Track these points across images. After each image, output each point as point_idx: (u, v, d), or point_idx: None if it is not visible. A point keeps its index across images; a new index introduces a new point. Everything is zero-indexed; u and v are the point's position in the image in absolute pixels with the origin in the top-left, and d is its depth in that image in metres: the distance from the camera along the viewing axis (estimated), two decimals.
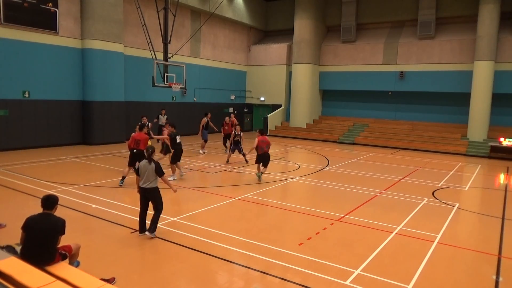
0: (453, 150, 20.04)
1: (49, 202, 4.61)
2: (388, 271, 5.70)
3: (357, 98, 26.08)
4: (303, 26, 25.01)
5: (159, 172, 6.66)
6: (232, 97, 27.58)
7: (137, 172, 6.82)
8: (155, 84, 16.47)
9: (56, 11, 16.30)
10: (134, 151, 10.58)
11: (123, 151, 15.75)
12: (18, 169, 12.10)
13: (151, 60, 17.00)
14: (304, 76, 25.34)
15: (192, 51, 23.66)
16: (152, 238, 6.66)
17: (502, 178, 14.46)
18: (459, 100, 22.36)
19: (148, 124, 14.36)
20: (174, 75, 17.25)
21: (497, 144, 18.63)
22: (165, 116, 18.66)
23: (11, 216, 7.40)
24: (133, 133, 11.03)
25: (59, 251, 4.61)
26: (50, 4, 16.07)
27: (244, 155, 14.74)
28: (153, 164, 6.67)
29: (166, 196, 7.05)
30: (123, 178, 10.47)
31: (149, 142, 11.60)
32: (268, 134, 23.44)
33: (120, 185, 10.36)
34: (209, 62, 25.17)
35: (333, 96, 27.23)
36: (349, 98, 26.44)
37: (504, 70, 20.32)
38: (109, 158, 14.78)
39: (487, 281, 5.59)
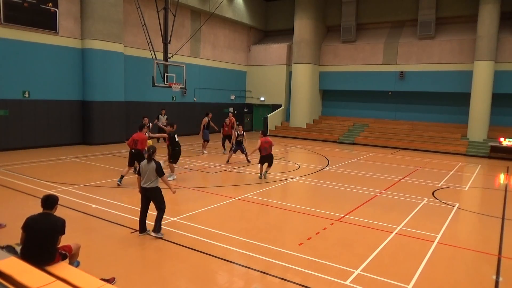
0: (453, 150, 20.04)
1: (49, 202, 4.62)
2: (388, 271, 5.70)
3: (357, 98, 26.08)
4: (303, 26, 25.01)
5: (159, 172, 6.67)
6: (232, 97, 27.58)
7: (138, 172, 6.83)
8: (155, 84, 16.47)
9: (56, 11, 16.31)
10: (133, 150, 10.69)
11: (123, 151, 15.75)
12: (18, 169, 12.10)
13: (151, 60, 17.00)
14: (304, 76, 25.34)
15: (192, 51, 23.66)
16: (159, 238, 6.66)
17: (502, 178, 14.46)
18: (459, 100, 22.36)
19: (149, 124, 14.31)
20: (174, 75, 17.25)
21: (497, 144, 18.63)
22: (165, 116, 18.66)
23: (11, 216, 7.40)
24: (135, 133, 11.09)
25: (59, 251, 4.61)
26: (50, 4, 16.07)
27: (246, 155, 14.77)
28: (153, 164, 6.67)
29: (166, 196, 7.04)
30: (122, 177, 10.49)
31: (150, 142, 11.61)
32: (268, 134, 23.42)
33: (118, 184, 10.37)
34: (209, 62, 25.17)
35: (333, 96, 27.23)
36: (349, 98, 26.44)
37: (504, 70, 20.32)
38: (109, 158, 14.78)
39: (487, 281, 5.59)
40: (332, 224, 7.89)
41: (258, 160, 12.24)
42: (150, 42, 16.79)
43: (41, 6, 15.73)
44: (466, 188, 12.08)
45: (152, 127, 15.88)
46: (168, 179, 9.01)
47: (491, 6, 19.71)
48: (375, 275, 5.55)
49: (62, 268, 4.41)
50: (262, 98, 28.33)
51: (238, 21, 26.51)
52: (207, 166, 13.94)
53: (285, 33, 27.94)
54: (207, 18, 22.37)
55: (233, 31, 27.02)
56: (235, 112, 27.27)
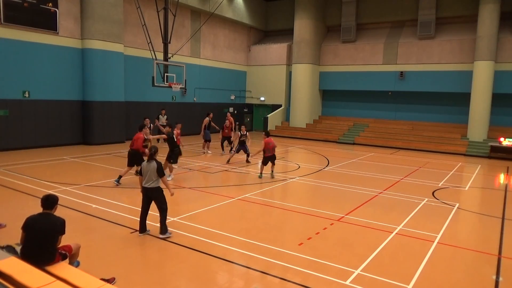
0: (453, 150, 20.04)
1: (49, 202, 4.62)
2: (388, 271, 5.70)
3: (357, 98, 26.08)
4: (303, 26, 25.01)
5: (160, 172, 6.67)
6: (232, 97, 27.58)
7: (140, 172, 6.84)
8: (155, 84, 16.47)
9: (56, 11, 16.30)
10: (130, 150, 10.76)
11: (123, 151, 15.74)
12: (18, 169, 12.09)
13: (151, 60, 17.00)
14: (304, 76, 25.34)
15: (192, 51, 23.66)
16: (168, 237, 6.67)
17: (502, 178, 14.46)
18: (459, 100, 22.36)
19: (150, 125, 14.27)
20: (174, 75, 17.24)
21: (497, 144, 18.63)
22: (165, 116, 18.65)
23: (11, 216, 7.40)
24: None
25: (59, 251, 4.62)
26: (50, 4, 16.07)
27: (248, 155, 14.78)
28: (154, 164, 6.68)
29: (166, 196, 7.03)
30: (119, 177, 10.49)
31: (152, 143, 11.58)
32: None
33: (116, 184, 10.37)
34: (209, 62, 25.17)
35: (333, 96, 27.23)
36: (349, 98, 26.44)
37: (504, 70, 20.32)
38: (109, 158, 14.78)
39: (487, 281, 5.59)
40: (332, 224, 7.89)
41: (262, 160, 12.36)
42: (150, 42, 16.79)
43: (41, 6, 15.73)
44: (466, 188, 12.08)
45: (153, 128, 15.88)
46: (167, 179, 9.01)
47: (491, 6, 19.71)
48: (375, 275, 5.55)
49: (62, 268, 4.41)
50: (262, 98, 28.33)
51: (238, 21, 26.51)
52: (207, 166, 13.94)
53: (285, 33, 27.94)
54: (207, 18, 22.37)
55: (233, 31, 27.02)
56: (235, 112, 27.33)
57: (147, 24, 17.69)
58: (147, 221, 6.87)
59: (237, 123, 27.40)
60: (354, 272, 5.62)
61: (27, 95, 15.81)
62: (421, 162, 16.92)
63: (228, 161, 14.56)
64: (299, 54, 25.24)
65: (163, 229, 6.72)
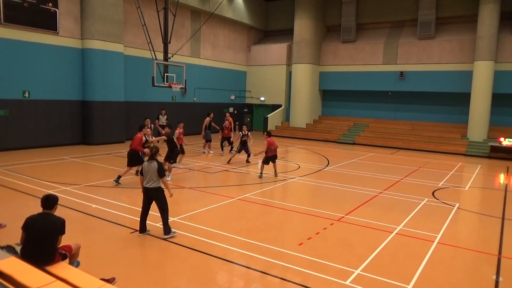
0: (453, 150, 20.04)
1: (49, 201, 4.62)
2: (388, 271, 5.70)
3: (357, 98, 26.08)
4: (303, 26, 25.01)
5: (160, 172, 6.66)
6: (232, 97, 27.58)
7: (141, 172, 6.85)
8: (155, 84, 16.47)
9: (56, 11, 16.30)
10: (129, 150, 10.76)
11: (123, 151, 15.72)
12: (18, 169, 12.09)
13: (151, 60, 17.00)
14: (304, 76, 25.34)
15: (192, 51, 23.66)
16: (173, 237, 6.68)
17: (502, 178, 14.46)
18: (459, 100, 22.36)
19: (151, 126, 14.23)
20: (174, 75, 17.24)
21: (497, 144, 18.63)
22: (165, 116, 18.64)
23: (11, 216, 7.40)
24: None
25: (59, 251, 4.62)
26: (50, 4, 16.07)
27: (249, 155, 14.78)
28: (155, 164, 6.68)
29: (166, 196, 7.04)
30: (119, 177, 10.50)
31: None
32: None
33: (115, 184, 10.37)
34: (209, 62, 25.17)
35: (333, 96, 27.23)
36: (349, 98, 26.44)
37: (504, 70, 20.32)
38: (109, 158, 14.78)
39: (487, 281, 5.59)
40: (332, 224, 7.89)
41: (262, 160, 12.40)
42: (150, 42, 16.79)
43: (41, 6, 15.73)
44: (466, 188, 12.08)
45: (153, 128, 15.85)
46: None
47: (491, 6, 19.71)
48: (375, 275, 5.55)
49: (62, 268, 4.41)
50: (262, 98, 28.33)
51: (238, 21, 26.51)
52: (207, 166, 13.94)
53: (285, 33, 27.94)
54: (207, 18, 22.37)
55: (233, 31, 27.02)
56: (235, 112, 27.33)
57: (147, 24, 17.69)
58: (147, 222, 6.86)
59: (237, 123, 27.51)
60: (354, 272, 5.62)
61: (27, 95, 15.81)
62: (421, 162, 16.92)
63: (229, 161, 14.56)
64: (299, 54, 25.24)
65: (167, 229, 6.71)
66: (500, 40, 20.37)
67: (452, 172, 14.70)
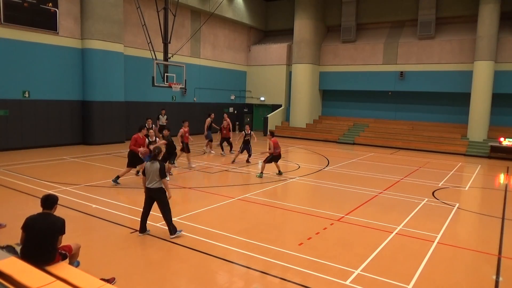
0: (453, 150, 20.04)
1: (49, 201, 4.62)
2: (388, 271, 5.70)
3: (357, 98, 26.08)
4: (303, 26, 25.00)
5: (162, 173, 6.66)
6: (232, 97, 27.58)
7: (143, 172, 6.86)
8: (155, 84, 16.47)
9: (56, 11, 16.30)
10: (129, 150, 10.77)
11: (123, 151, 15.73)
12: (18, 169, 12.09)
13: (151, 60, 17.00)
14: (304, 76, 25.34)
15: (192, 51, 23.66)
16: (179, 236, 6.69)
17: (502, 178, 14.46)
18: (459, 100, 22.36)
19: (152, 126, 14.19)
20: (174, 75, 17.25)
21: (497, 144, 18.63)
22: (165, 116, 18.64)
23: (11, 216, 7.40)
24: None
25: (59, 251, 4.62)
26: (50, 4, 16.07)
27: (250, 156, 14.79)
28: (157, 165, 6.68)
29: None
30: (117, 177, 10.50)
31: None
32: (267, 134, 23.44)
33: (114, 184, 10.36)
34: (209, 62, 25.17)
35: (333, 96, 27.23)
36: (349, 98, 26.44)
37: (504, 70, 20.32)
38: (109, 158, 14.78)
39: (487, 281, 5.59)
40: (332, 224, 7.89)
41: (265, 159, 12.51)
42: (150, 42, 16.79)
43: (41, 6, 15.73)
44: (466, 188, 12.08)
45: (155, 129, 15.83)
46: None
47: (491, 6, 19.71)
48: (375, 275, 5.55)
49: (62, 268, 4.41)
50: (262, 98, 28.33)
51: (238, 21, 26.50)
52: (207, 166, 13.94)
53: (285, 33, 27.94)
54: (207, 18, 22.38)
55: (233, 31, 27.02)
56: (235, 112, 27.34)
57: (147, 24, 17.69)
58: (147, 222, 6.86)
59: (237, 123, 27.51)
60: (354, 272, 5.62)
61: (27, 95, 15.81)
62: (421, 162, 16.92)
63: (233, 161, 14.58)
64: (299, 54, 25.24)
65: (171, 229, 6.70)
66: (500, 40, 20.37)
67: (452, 172, 14.70)
